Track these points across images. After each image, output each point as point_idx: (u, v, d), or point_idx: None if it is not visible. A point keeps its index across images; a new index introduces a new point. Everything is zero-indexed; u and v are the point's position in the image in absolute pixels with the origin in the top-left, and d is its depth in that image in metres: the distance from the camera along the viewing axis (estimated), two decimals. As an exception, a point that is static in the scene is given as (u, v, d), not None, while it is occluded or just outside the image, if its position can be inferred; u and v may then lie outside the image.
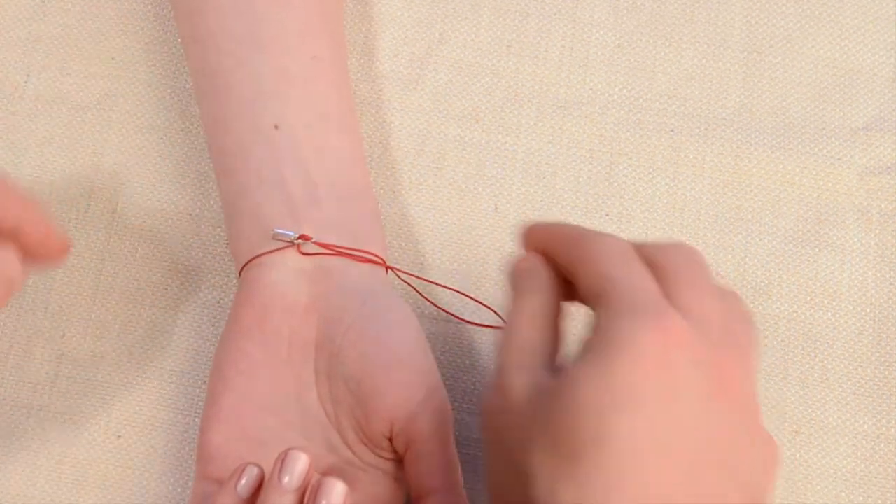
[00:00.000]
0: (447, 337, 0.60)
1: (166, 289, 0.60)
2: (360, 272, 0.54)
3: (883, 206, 0.62)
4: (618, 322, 0.42)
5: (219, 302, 0.60)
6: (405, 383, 0.51)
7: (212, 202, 0.62)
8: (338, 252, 0.54)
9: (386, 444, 0.52)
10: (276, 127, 0.55)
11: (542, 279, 0.47)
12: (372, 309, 0.53)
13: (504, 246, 0.61)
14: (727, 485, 0.42)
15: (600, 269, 0.45)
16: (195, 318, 0.60)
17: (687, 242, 0.47)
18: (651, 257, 0.45)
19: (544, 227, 0.49)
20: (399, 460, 0.53)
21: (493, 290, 0.61)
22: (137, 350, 0.60)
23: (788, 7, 0.66)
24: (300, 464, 0.48)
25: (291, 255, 0.54)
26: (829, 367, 0.60)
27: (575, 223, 0.49)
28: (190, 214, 0.62)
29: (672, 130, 0.64)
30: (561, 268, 0.47)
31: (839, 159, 0.63)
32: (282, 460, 0.48)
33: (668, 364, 0.42)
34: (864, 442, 0.59)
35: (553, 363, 0.46)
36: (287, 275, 0.54)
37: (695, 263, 0.46)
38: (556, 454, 0.42)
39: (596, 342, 0.43)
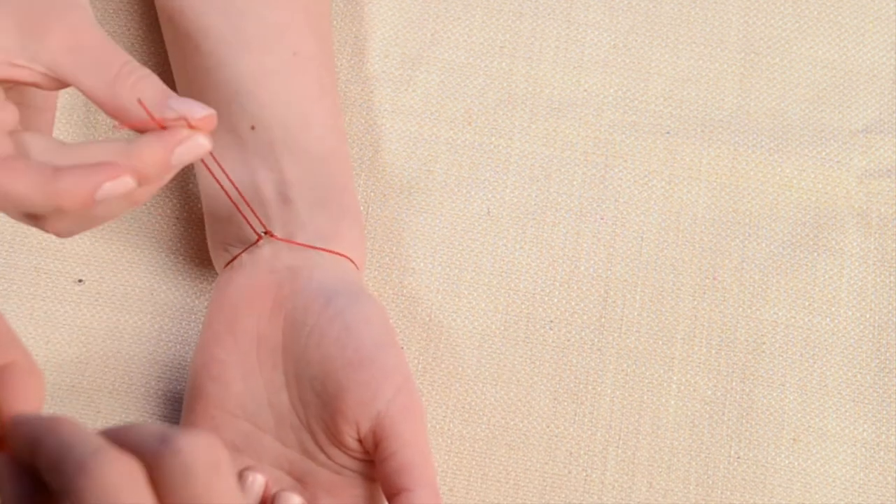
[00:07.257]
0: (429, 336, 0.59)
1: (152, 294, 0.60)
2: (326, 273, 0.54)
3: (882, 209, 0.62)
4: None
5: (205, 308, 0.60)
6: (368, 383, 0.51)
7: (198, 206, 0.61)
8: (311, 248, 0.54)
9: (356, 445, 0.52)
10: (252, 128, 0.55)
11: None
12: (335, 309, 0.53)
13: (497, 250, 0.61)
14: None
15: None
16: (181, 323, 0.60)
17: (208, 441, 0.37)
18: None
19: (32, 427, 0.38)
20: (373, 461, 0.52)
21: (489, 293, 0.60)
22: (123, 356, 0.59)
23: (786, 7, 0.66)
24: (255, 486, 0.47)
25: (262, 258, 0.54)
26: (828, 373, 0.60)
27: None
28: (177, 218, 0.61)
29: (668, 133, 0.63)
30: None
31: (838, 162, 0.63)
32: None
33: None
34: (863, 449, 0.59)
35: None
36: (256, 277, 0.54)
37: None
38: None
39: None
